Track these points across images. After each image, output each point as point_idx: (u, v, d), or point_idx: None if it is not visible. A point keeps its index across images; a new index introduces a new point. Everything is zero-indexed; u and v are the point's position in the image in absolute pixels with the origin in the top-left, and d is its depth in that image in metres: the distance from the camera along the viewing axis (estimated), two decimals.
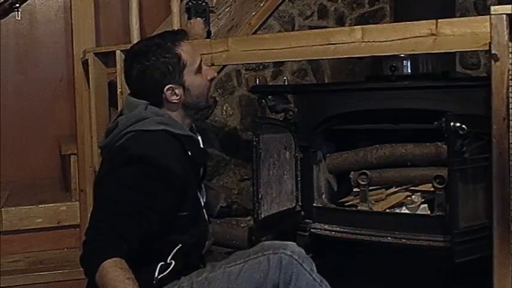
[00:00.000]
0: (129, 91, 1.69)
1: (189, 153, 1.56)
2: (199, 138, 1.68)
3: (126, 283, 1.34)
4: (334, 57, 2.03)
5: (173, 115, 1.61)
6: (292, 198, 2.33)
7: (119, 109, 2.36)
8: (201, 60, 1.65)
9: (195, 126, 1.74)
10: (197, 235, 1.60)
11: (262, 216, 2.15)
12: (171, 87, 1.59)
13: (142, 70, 1.58)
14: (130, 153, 1.49)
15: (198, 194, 1.64)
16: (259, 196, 2.14)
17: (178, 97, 1.60)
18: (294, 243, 1.54)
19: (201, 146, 1.68)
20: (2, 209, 2.44)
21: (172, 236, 1.53)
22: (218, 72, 2.93)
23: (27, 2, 2.65)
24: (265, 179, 2.19)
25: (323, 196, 2.37)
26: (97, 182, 1.60)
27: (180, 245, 1.53)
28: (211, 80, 1.68)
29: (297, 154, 2.32)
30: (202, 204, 1.66)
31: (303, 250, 1.53)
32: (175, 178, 1.50)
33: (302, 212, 2.32)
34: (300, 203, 2.33)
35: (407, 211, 2.19)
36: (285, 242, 1.54)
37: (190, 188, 1.57)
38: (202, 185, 1.70)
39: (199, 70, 1.63)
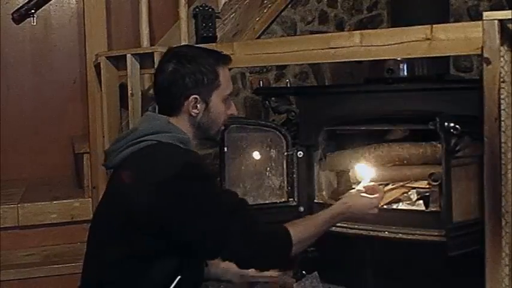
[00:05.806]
0: (153, 93, 1.62)
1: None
2: None
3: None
4: (334, 60, 2.03)
5: (184, 130, 1.53)
6: (280, 194, 2.36)
7: (129, 110, 2.41)
8: (230, 93, 1.59)
9: None
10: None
11: None
12: (196, 98, 1.51)
13: (178, 69, 1.51)
14: (183, 166, 1.41)
15: None
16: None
17: (197, 112, 1.52)
18: None
19: None
20: (19, 205, 2.47)
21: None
22: None
23: (42, 8, 2.65)
24: (232, 174, 2.27)
25: (323, 193, 2.40)
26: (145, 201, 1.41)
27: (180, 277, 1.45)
28: (230, 116, 1.61)
29: (290, 152, 2.35)
30: None
31: None
32: None
33: (301, 208, 2.34)
34: (296, 198, 2.35)
35: (403, 207, 2.22)
36: None
37: None
38: None
39: (226, 99, 1.57)
